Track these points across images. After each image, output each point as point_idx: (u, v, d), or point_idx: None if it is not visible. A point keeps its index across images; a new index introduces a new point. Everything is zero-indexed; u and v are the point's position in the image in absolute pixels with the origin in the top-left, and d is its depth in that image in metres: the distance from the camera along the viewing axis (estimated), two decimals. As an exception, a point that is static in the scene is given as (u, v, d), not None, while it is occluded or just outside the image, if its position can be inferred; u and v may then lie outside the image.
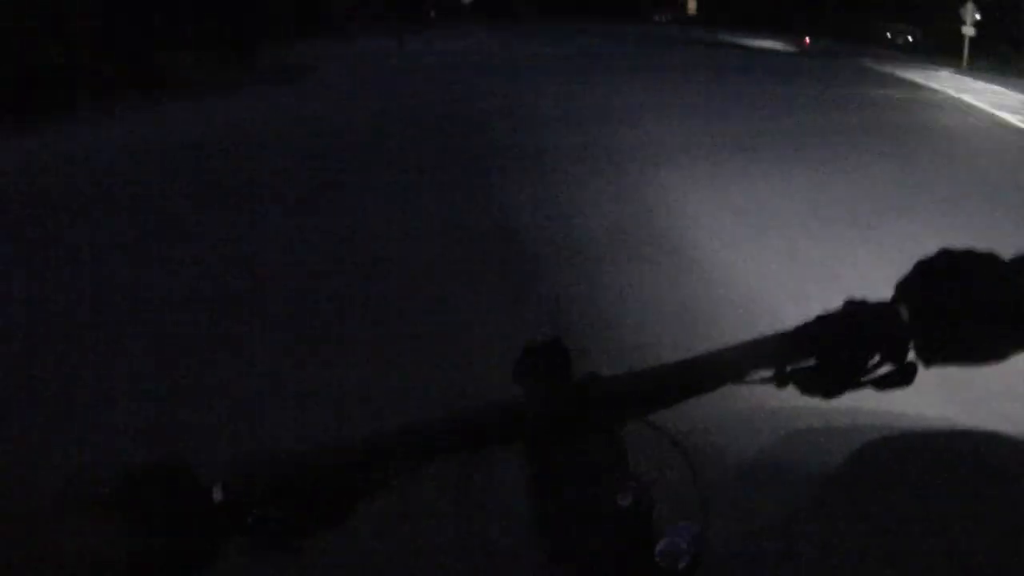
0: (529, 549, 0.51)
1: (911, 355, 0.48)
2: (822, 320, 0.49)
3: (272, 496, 0.46)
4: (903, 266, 0.49)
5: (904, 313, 0.47)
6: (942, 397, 1.35)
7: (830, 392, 0.49)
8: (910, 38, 31.41)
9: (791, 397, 0.52)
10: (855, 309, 0.49)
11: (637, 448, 0.55)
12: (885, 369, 0.48)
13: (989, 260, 0.47)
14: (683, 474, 0.56)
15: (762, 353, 0.50)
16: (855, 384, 0.48)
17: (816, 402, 0.50)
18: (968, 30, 22.71)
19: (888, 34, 32.37)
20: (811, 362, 0.49)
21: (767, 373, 0.50)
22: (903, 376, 0.48)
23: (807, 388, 0.49)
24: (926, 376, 0.48)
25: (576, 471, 0.48)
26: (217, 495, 0.44)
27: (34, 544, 0.39)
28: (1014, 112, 10.66)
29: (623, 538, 0.46)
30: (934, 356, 0.48)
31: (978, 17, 21.97)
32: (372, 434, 0.49)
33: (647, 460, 0.56)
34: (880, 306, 0.48)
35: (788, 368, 0.49)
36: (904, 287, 0.48)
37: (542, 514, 0.49)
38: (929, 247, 0.50)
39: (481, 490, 0.64)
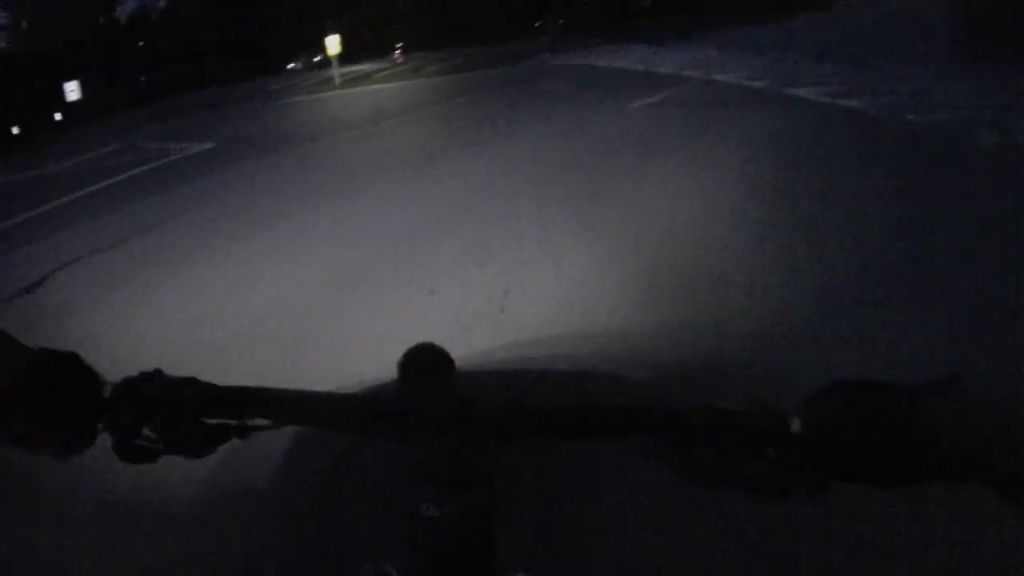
0: (377, 528, 0.56)
1: (791, 471, 0.46)
2: (712, 410, 0.49)
3: (149, 410, 0.54)
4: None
5: (796, 426, 0.46)
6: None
7: (697, 481, 0.48)
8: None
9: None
10: (750, 407, 0.48)
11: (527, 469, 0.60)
12: (760, 477, 0.47)
13: (894, 390, 0.45)
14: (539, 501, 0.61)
15: (645, 420, 0.50)
16: (724, 482, 0.47)
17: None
18: None
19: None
20: (690, 446, 0.48)
21: (644, 443, 0.50)
22: (776, 489, 0.46)
23: (676, 470, 0.49)
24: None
25: (431, 469, 0.53)
26: (107, 392, 0.54)
27: None
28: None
29: (450, 538, 0.50)
30: (813, 477, 0.46)
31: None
32: (257, 388, 0.55)
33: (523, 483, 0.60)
34: (775, 412, 0.47)
35: (664, 444, 0.49)
36: (809, 402, 0.47)
37: (392, 499, 0.54)
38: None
39: (339, 468, 0.69)
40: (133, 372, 0.57)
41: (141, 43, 28.20)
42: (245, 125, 14.31)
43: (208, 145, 11.60)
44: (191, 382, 0.56)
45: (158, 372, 0.57)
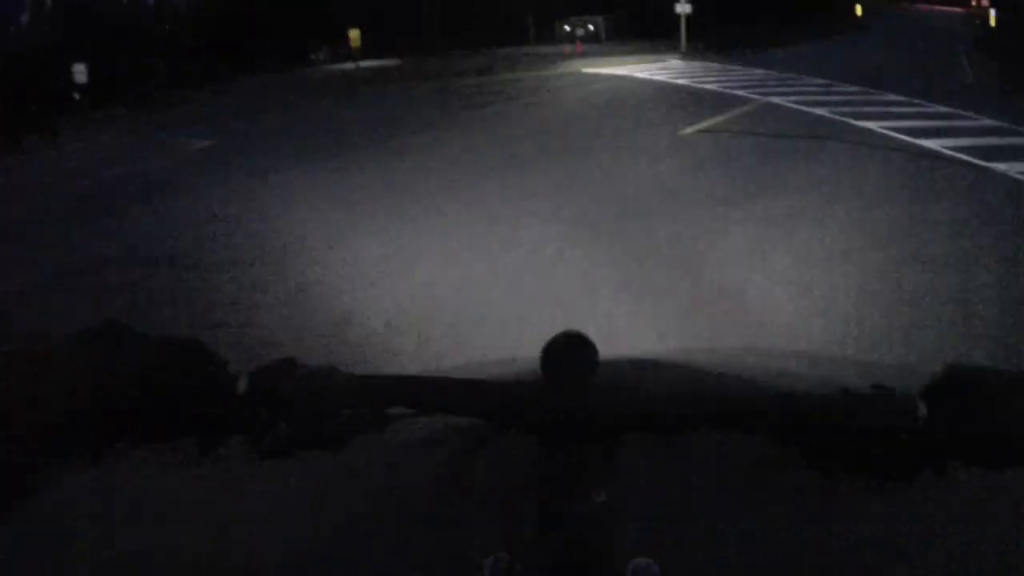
0: (507, 517, 0.56)
1: (918, 455, 0.48)
2: (848, 396, 0.49)
3: (287, 404, 0.51)
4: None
5: (923, 410, 0.48)
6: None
7: (830, 468, 0.49)
8: (591, 27, 30.02)
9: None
10: (880, 394, 0.49)
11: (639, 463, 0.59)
12: (889, 463, 0.48)
13: (1008, 377, 0.47)
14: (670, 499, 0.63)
15: (780, 407, 0.52)
16: (856, 469, 0.49)
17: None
18: (684, 6, 20.59)
19: (567, 28, 30.69)
20: (818, 434, 0.49)
21: (779, 430, 0.51)
22: (904, 474, 0.48)
23: (810, 457, 0.50)
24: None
25: (569, 460, 0.51)
26: (241, 386, 0.50)
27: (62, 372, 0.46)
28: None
29: (584, 529, 0.48)
30: (940, 460, 0.48)
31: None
32: (394, 376, 0.54)
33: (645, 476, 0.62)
34: (903, 399, 0.48)
35: (798, 431, 0.50)
36: (931, 387, 0.49)
37: (526, 490, 0.52)
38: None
39: (472, 459, 0.67)
40: (264, 360, 0.53)
41: (166, 28, 27.83)
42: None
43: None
44: (330, 371, 0.53)
45: (292, 361, 0.53)
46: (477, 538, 0.60)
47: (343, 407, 0.52)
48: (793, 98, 10.57)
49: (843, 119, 8.77)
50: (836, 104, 9.81)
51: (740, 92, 11.32)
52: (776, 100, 10.47)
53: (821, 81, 12.45)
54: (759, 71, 14.70)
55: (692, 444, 0.56)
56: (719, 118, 9.18)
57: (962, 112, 9.02)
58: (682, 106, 10.37)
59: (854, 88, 11.55)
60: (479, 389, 0.55)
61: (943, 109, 9.33)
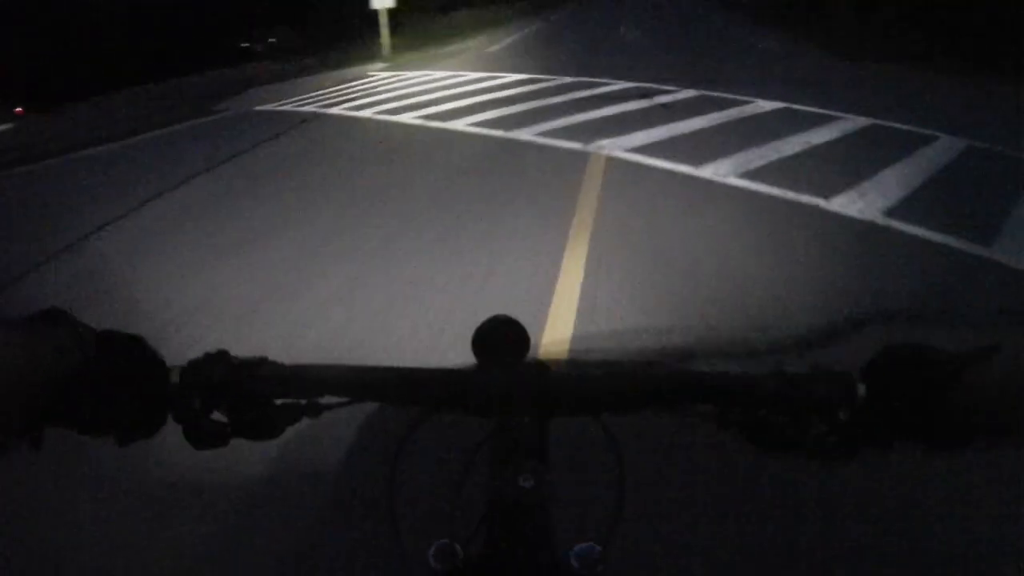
0: (447, 505, 0.53)
1: (854, 435, 0.49)
2: (784, 375, 0.50)
3: (218, 395, 0.52)
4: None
5: (862, 390, 0.49)
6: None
7: (771, 447, 0.50)
8: (272, 41, 26.68)
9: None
10: (817, 373, 0.50)
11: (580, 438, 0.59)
12: (829, 441, 0.49)
13: (945, 356, 0.47)
14: (610, 473, 0.58)
15: (713, 388, 0.52)
16: (795, 448, 0.50)
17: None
18: (383, 1, 17.32)
19: (245, 44, 27.16)
20: (759, 412, 0.51)
21: (715, 409, 0.52)
22: (844, 452, 0.49)
23: (750, 436, 0.51)
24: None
25: (500, 446, 0.51)
26: (174, 377, 0.51)
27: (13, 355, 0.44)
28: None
29: (518, 514, 0.48)
30: (879, 438, 0.48)
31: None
32: (326, 365, 0.54)
33: (584, 452, 0.61)
34: (841, 378, 0.49)
35: (736, 411, 0.51)
36: (869, 367, 0.50)
37: (462, 476, 0.54)
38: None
39: (408, 445, 0.62)
40: (197, 354, 0.54)
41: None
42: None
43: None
44: (260, 362, 0.54)
45: (224, 353, 0.54)
46: (421, 526, 0.60)
47: (275, 397, 0.53)
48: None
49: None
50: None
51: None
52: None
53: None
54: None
55: (627, 426, 0.57)
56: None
57: None
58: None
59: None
60: (411, 376, 0.55)
61: None
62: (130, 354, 0.51)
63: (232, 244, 4.15)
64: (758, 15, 18.50)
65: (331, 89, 12.48)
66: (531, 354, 0.59)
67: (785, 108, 6.95)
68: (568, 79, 9.62)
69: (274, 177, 5.94)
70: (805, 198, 4.32)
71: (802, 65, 10.21)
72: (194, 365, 0.53)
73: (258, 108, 11.38)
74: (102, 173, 6.90)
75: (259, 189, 5.57)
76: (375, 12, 17.81)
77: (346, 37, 21.30)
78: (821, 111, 6.75)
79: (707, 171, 4.90)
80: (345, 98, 10.83)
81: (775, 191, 4.46)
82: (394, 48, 18.14)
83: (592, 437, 0.57)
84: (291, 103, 11.22)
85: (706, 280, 3.17)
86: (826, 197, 4.32)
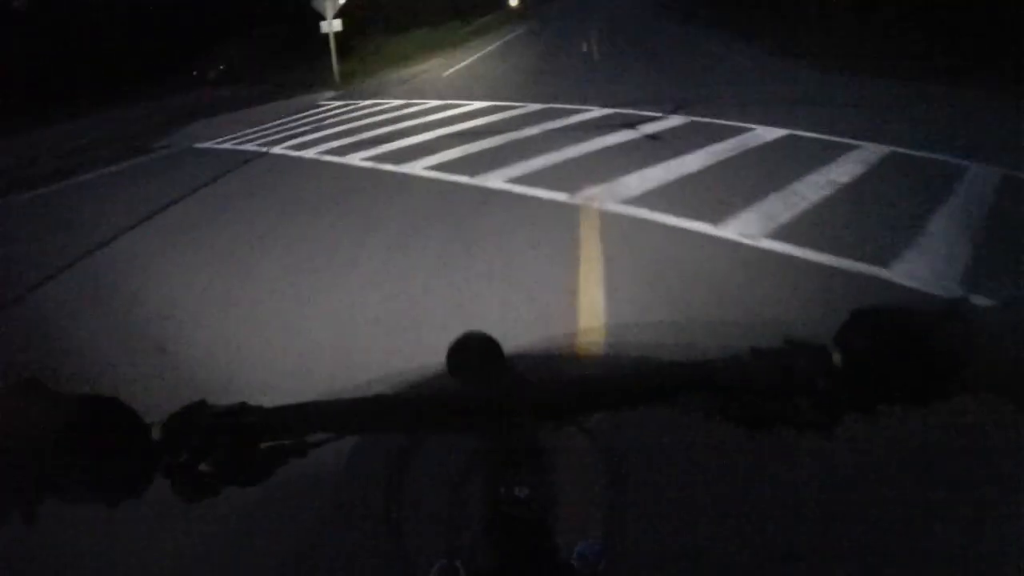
0: (444, 524, 0.56)
1: (836, 403, 0.49)
2: (757, 354, 0.51)
3: (204, 445, 0.51)
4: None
5: (838, 358, 0.49)
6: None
7: (757, 424, 0.50)
8: (222, 66, 25.78)
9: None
10: (792, 347, 0.50)
11: (568, 448, 0.56)
12: (810, 412, 0.49)
13: (913, 315, 0.48)
14: (605, 474, 0.59)
15: (694, 377, 0.52)
16: (780, 422, 0.50)
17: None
18: (332, 24, 15.77)
19: (195, 72, 26.38)
20: (741, 394, 0.50)
21: (696, 398, 0.51)
22: (829, 420, 0.49)
23: (735, 419, 0.51)
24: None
25: (491, 460, 0.53)
26: (156, 434, 0.51)
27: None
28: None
29: (516, 525, 0.50)
30: (859, 402, 0.49)
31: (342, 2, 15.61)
32: (308, 403, 0.53)
33: (575, 461, 0.59)
34: (815, 349, 0.50)
35: (718, 396, 0.51)
36: (841, 333, 0.50)
37: (456, 495, 0.55)
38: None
39: (400, 468, 0.64)
40: (173, 407, 0.54)
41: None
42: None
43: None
44: (240, 409, 0.53)
45: (203, 403, 0.54)
46: (419, 548, 0.59)
47: (260, 441, 0.52)
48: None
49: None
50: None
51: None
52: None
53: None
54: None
55: (611, 425, 0.56)
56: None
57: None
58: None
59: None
60: (391, 403, 0.54)
61: None
62: (110, 416, 0.50)
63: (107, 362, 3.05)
64: (719, 24, 18.00)
65: (278, 122, 11.38)
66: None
67: (789, 136, 6.08)
68: (537, 106, 8.69)
69: (198, 245, 4.82)
70: (863, 267, 3.39)
71: (788, 80, 9.44)
72: (174, 419, 0.52)
73: (200, 145, 10.28)
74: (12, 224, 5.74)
75: (181, 254, 4.45)
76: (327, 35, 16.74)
77: (300, 61, 20.08)
78: (830, 138, 5.90)
79: (730, 230, 3.93)
80: (291, 132, 9.75)
81: (822, 258, 3.50)
82: (347, 74, 17.06)
83: (575, 440, 0.57)
84: (234, 139, 10.14)
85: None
86: (886, 264, 3.40)
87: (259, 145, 9.06)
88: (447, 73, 15.05)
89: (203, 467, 0.51)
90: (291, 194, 6.04)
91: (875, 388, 0.48)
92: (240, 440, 0.51)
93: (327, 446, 0.54)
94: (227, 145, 9.78)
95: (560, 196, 4.81)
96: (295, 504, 1.75)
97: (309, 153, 7.76)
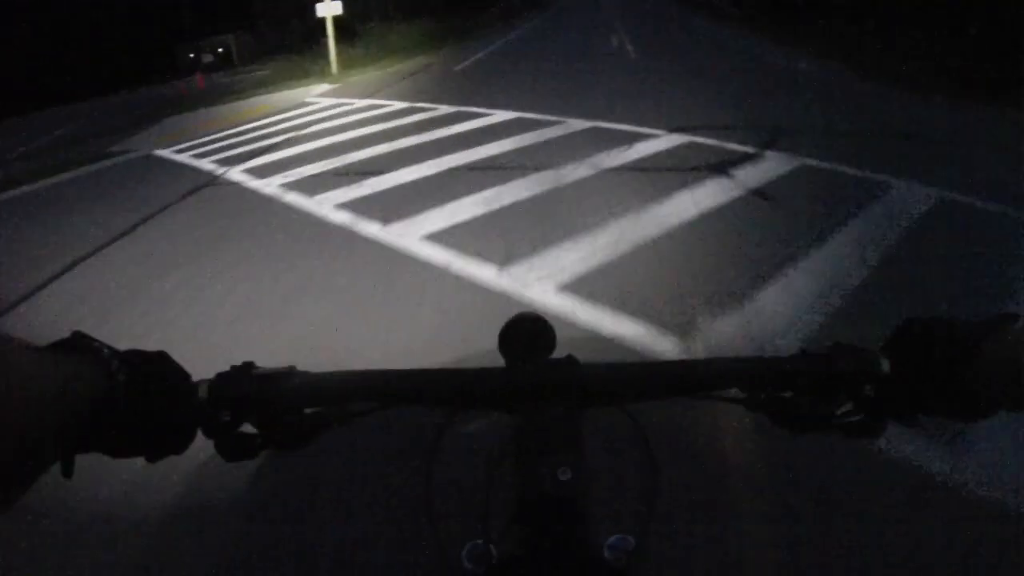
0: (478, 505, 0.52)
1: (884, 408, 0.49)
2: (807, 355, 0.51)
3: (247, 407, 0.51)
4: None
5: (886, 365, 0.48)
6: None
7: (798, 427, 0.50)
8: (220, 50, 24.72)
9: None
10: (840, 351, 0.50)
11: (610, 433, 0.57)
12: (856, 417, 0.49)
13: (964, 327, 0.47)
14: (642, 465, 0.56)
15: (739, 373, 0.52)
16: (823, 426, 0.50)
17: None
18: (329, 6, 14.13)
19: (191, 55, 25.85)
20: (786, 394, 0.51)
21: (742, 394, 0.53)
22: (871, 427, 0.49)
23: (777, 418, 0.51)
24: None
25: (532, 442, 0.50)
26: (202, 393, 0.51)
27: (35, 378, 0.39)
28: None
29: (554, 508, 0.47)
30: (903, 412, 0.48)
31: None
32: (354, 372, 0.53)
33: (617, 446, 0.64)
34: (864, 355, 0.49)
35: (763, 395, 0.52)
36: (891, 342, 0.49)
37: (493, 475, 0.52)
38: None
39: (447, 444, 0.60)
40: (224, 366, 0.53)
41: None
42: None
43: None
44: (288, 373, 0.53)
45: (250, 365, 0.54)
46: (452, 527, 0.58)
47: (304, 406, 0.52)
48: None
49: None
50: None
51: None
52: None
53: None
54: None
55: (657, 416, 0.58)
56: None
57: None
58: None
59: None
60: (440, 378, 0.54)
61: None
62: (157, 373, 0.49)
63: None
64: (757, 27, 16.05)
65: (254, 124, 9.53)
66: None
67: (938, 199, 4.14)
68: (581, 123, 6.73)
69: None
70: None
71: (875, 102, 7.43)
72: (222, 379, 0.52)
73: (160, 152, 8.47)
74: None
75: None
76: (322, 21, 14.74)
77: (305, 47, 17.99)
78: (990, 203, 3.98)
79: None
80: (262, 144, 7.87)
81: None
82: (345, 64, 15.08)
83: (623, 428, 0.55)
84: (197, 149, 8.30)
85: None
86: None
87: (218, 162, 7.17)
88: (460, 67, 13.08)
89: (245, 428, 0.51)
90: (212, 293, 4.12)
91: (921, 398, 0.47)
92: (284, 404, 0.51)
93: (370, 417, 0.54)
94: (185, 157, 7.90)
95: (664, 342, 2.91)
96: (334, 474, 1.72)
97: (270, 185, 5.84)
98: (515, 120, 7.21)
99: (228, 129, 9.54)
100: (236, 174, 6.47)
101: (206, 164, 7.18)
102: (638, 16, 21.19)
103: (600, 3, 28.16)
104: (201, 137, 9.22)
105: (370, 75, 13.71)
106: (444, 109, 8.43)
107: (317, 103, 10.78)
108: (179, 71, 22.55)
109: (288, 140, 7.87)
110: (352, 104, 10.00)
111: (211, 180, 6.40)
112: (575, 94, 8.57)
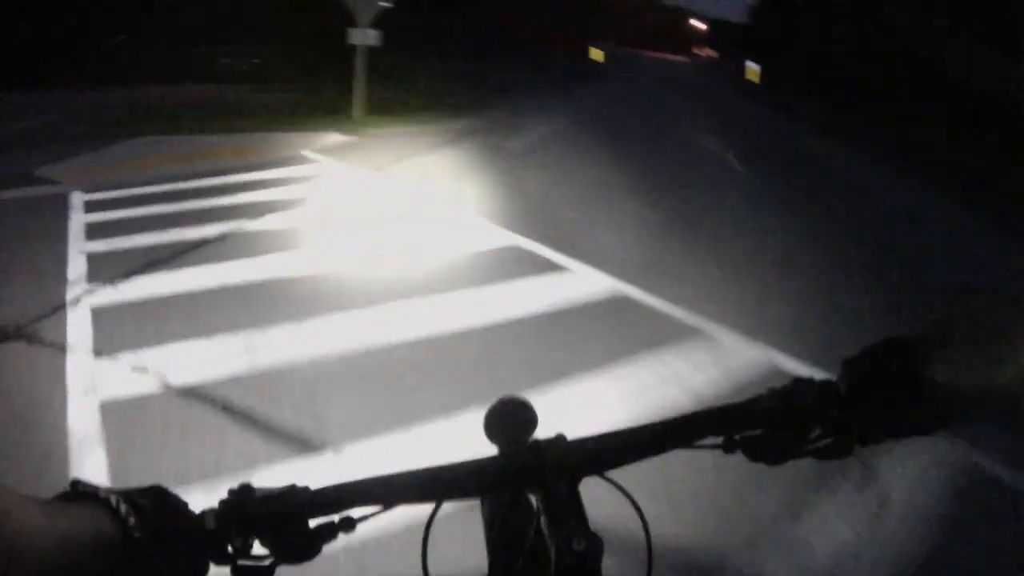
0: None
1: (849, 429, 0.51)
2: (771, 394, 0.54)
3: (256, 527, 0.51)
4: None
5: (843, 390, 0.51)
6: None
7: (774, 459, 0.53)
8: (256, 60, 19.99)
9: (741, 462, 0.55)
10: (801, 386, 0.53)
11: (597, 501, 0.58)
12: (825, 441, 0.52)
13: (918, 345, 0.48)
14: (634, 526, 0.59)
15: (713, 421, 0.55)
16: (798, 453, 0.53)
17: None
18: (367, 35, 10.73)
19: (227, 59, 21.52)
20: (758, 432, 0.54)
21: (717, 440, 0.55)
22: (841, 448, 0.52)
23: (754, 455, 0.54)
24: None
25: (534, 519, 0.53)
26: (209, 523, 0.50)
27: (36, 534, 0.38)
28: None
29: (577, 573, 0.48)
30: (868, 433, 0.51)
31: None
32: (351, 481, 0.54)
33: (603, 513, 0.62)
34: (824, 384, 0.52)
35: (737, 436, 0.54)
36: (847, 368, 0.52)
37: (502, 559, 0.56)
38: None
39: (447, 536, 0.61)
40: (218, 494, 0.52)
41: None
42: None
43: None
44: (290, 489, 0.54)
45: (248, 487, 0.53)
46: None
47: (309, 518, 0.53)
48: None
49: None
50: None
51: None
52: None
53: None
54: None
55: (643, 474, 0.59)
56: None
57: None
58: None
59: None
60: (438, 474, 0.55)
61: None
62: (164, 509, 0.48)
63: None
64: (838, 131, 13.29)
65: (208, 183, 6.45)
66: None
67: None
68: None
69: None
70: None
71: None
72: (227, 505, 0.51)
73: (76, 195, 5.42)
74: None
75: None
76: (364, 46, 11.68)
77: (338, 69, 14.57)
78: None
79: None
80: (184, 239, 4.75)
81: None
82: (371, 108, 12.10)
83: (614, 492, 0.58)
84: (120, 207, 5.43)
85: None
86: None
87: (148, 252, 4.07)
88: (510, 144, 10.06)
89: (255, 550, 0.51)
90: None
91: (876, 418, 0.49)
92: (291, 521, 0.52)
93: (373, 519, 0.55)
94: (97, 215, 4.91)
95: None
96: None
97: (154, 377, 2.68)
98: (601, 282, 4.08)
99: (179, 182, 6.48)
100: (128, 291, 3.33)
101: (140, 243, 4.27)
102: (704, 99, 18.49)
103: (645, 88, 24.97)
104: (134, 187, 6.22)
105: (399, 131, 10.71)
106: (499, 233, 5.30)
107: (316, 163, 7.73)
108: (221, 73, 19.55)
109: (230, 238, 4.76)
110: (360, 183, 6.91)
111: (70, 304, 3.22)
112: (670, 194, 5.48)
